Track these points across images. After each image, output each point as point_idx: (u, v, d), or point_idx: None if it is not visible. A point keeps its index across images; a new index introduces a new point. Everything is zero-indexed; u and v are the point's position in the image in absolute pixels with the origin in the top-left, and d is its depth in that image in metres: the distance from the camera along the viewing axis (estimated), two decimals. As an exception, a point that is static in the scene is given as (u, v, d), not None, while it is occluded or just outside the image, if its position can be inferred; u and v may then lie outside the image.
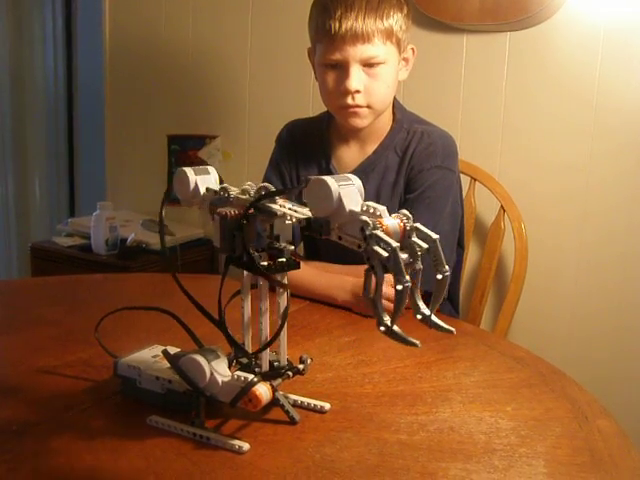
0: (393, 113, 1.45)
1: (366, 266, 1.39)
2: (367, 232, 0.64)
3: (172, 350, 0.84)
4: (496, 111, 1.94)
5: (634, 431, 0.99)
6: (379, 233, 0.64)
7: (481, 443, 0.79)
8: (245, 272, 0.80)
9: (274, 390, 0.79)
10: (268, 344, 0.80)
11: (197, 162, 2.43)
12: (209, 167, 0.85)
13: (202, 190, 0.82)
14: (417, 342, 0.66)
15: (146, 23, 2.50)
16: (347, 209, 0.67)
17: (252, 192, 0.80)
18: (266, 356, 0.81)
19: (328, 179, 0.68)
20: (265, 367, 0.81)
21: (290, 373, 0.82)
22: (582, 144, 1.85)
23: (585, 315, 1.90)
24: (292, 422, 0.81)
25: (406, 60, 1.41)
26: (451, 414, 0.86)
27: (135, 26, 2.53)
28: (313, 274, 1.29)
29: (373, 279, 0.66)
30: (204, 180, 0.83)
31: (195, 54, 2.42)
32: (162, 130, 2.51)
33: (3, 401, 0.86)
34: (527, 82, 1.90)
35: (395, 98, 1.44)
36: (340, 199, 0.67)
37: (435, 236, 0.67)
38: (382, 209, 0.67)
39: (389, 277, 1.27)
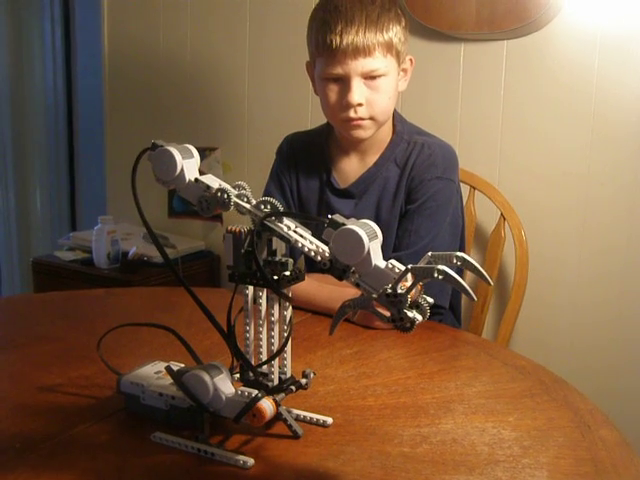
0: (393, 125, 1.45)
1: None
2: (404, 298, 0.68)
3: (175, 366, 0.84)
4: (494, 119, 1.95)
5: (636, 439, 0.99)
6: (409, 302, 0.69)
7: (484, 454, 0.79)
8: (249, 287, 0.81)
9: (277, 405, 0.79)
10: (275, 355, 0.80)
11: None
12: (191, 147, 0.82)
13: (188, 176, 0.81)
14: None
15: (144, 36, 2.51)
16: (373, 264, 0.70)
17: (249, 197, 0.79)
18: (276, 368, 0.82)
19: (362, 233, 0.68)
20: (275, 379, 0.81)
21: (293, 388, 0.82)
22: (581, 151, 1.86)
23: (587, 322, 1.90)
24: (295, 436, 0.81)
25: (405, 71, 1.42)
26: (454, 425, 0.86)
27: (134, 39, 2.54)
28: (314, 286, 1.29)
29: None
30: (189, 165, 0.81)
31: (194, 66, 2.43)
32: (162, 143, 2.50)
33: (6, 418, 0.87)
34: (525, 89, 1.90)
35: (395, 110, 1.44)
36: (369, 253, 0.69)
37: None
38: (402, 268, 0.69)
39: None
